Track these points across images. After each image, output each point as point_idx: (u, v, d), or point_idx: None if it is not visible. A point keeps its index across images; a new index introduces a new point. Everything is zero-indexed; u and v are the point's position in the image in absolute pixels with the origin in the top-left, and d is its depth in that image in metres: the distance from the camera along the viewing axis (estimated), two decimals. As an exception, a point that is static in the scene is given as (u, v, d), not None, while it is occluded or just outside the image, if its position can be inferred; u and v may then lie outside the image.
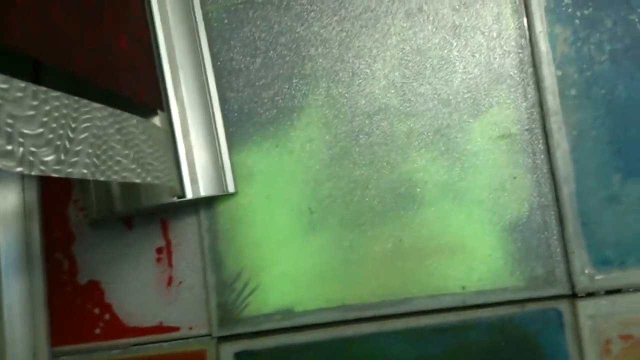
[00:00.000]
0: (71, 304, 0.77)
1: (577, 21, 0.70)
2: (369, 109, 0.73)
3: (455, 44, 0.72)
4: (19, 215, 0.74)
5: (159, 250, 0.76)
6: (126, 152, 0.53)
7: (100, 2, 0.63)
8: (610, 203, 0.69)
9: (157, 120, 0.67)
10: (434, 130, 0.72)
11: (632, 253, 0.68)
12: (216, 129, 0.73)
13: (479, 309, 0.70)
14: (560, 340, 0.69)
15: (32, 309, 0.74)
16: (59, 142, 0.43)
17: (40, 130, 0.41)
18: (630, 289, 0.68)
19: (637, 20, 0.70)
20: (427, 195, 0.71)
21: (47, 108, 0.43)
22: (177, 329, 0.75)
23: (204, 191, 0.71)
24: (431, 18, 0.73)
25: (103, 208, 0.73)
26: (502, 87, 0.71)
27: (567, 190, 0.69)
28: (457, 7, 0.72)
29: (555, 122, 0.70)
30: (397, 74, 0.73)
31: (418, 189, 0.72)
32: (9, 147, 0.38)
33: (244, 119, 0.75)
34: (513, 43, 0.72)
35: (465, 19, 0.72)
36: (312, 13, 0.74)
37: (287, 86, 0.74)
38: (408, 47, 0.73)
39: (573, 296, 0.69)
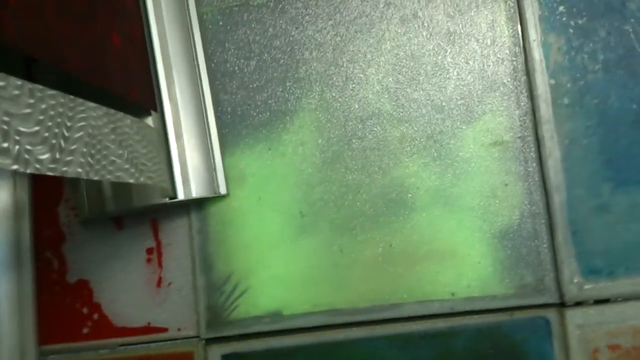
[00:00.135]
0: (60, 303, 0.76)
1: (571, 30, 0.71)
2: (362, 113, 0.73)
3: (449, 50, 0.72)
4: (9, 213, 0.73)
5: (149, 251, 0.75)
6: (120, 151, 0.53)
7: (94, 0, 0.62)
8: (600, 212, 0.69)
9: (150, 121, 0.67)
10: (426, 136, 0.72)
11: (621, 263, 0.69)
12: (209, 130, 0.72)
13: (468, 315, 0.70)
14: (548, 349, 0.69)
15: (21, 307, 0.73)
16: (54, 141, 0.43)
17: (36, 128, 0.41)
18: (619, 299, 0.68)
19: (630, 30, 0.70)
20: (418, 200, 0.72)
21: (43, 106, 0.42)
22: (165, 330, 0.74)
23: (195, 192, 0.71)
24: (426, 24, 0.73)
25: (94, 207, 0.73)
26: (496, 94, 0.71)
27: (558, 198, 0.69)
28: (451, 13, 0.73)
29: (548, 131, 0.70)
30: (390, 79, 0.73)
31: (409, 195, 0.72)
32: (5, 145, 0.38)
33: (237, 121, 0.74)
34: (507, 51, 0.72)
35: (460, 26, 0.73)
36: (307, 17, 0.75)
37: (280, 89, 0.74)
38: (402, 53, 0.73)
39: (562, 305, 0.69)
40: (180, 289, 0.75)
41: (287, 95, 0.74)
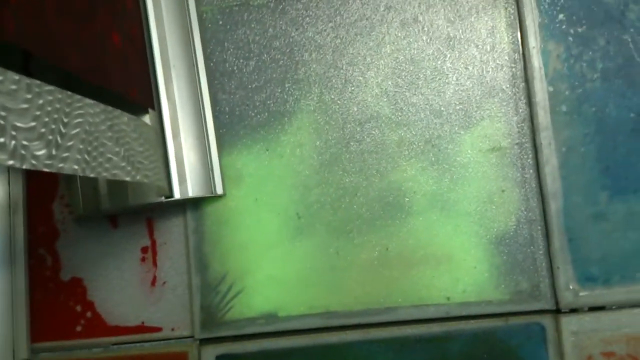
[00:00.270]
0: (53, 300, 0.76)
1: (570, 38, 0.71)
2: (361, 116, 0.73)
3: (449, 55, 0.73)
4: (3, 209, 0.73)
5: (144, 250, 0.75)
6: (117, 149, 0.53)
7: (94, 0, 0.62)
8: (596, 220, 0.69)
9: (147, 119, 0.67)
10: (424, 140, 0.72)
11: (617, 271, 0.69)
12: (207, 130, 0.72)
13: (463, 320, 0.70)
14: (542, 355, 0.69)
15: (13, 304, 0.73)
16: (50, 137, 0.43)
17: (33, 123, 0.41)
18: (614, 307, 0.68)
19: (629, 40, 0.70)
20: (415, 205, 0.71)
21: (41, 102, 0.42)
22: (159, 329, 0.74)
23: (192, 192, 0.71)
24: (426, 29, 0.73)
25: (89, 205, 0.72)
26: (494, 100, 0.71)
27: (555, 205, 0.69)
28: (452, 19, 0.73)
29: (545, 138, 0.70)
30: (390, 82, 0.73)
31: (407, 199, 0.72)
32: (1, 140, 0.38)
33: (235, 121, 0.74)
34: (506, 57, 0.72)
35: (460, 31, 0.73)
36: (307, 18, 0.74)
37: (279, 90, 0.74)
38: (402, 57, 0.73)
39: (557, 311, 0.69)
40: (175, 288, 0.74)
41: (285, 97, 0.74)
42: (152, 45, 0.69)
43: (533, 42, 0.71)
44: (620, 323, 0.68)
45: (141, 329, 0.74)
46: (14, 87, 0.39)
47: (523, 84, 0.71)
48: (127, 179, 0.54)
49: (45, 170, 0.42)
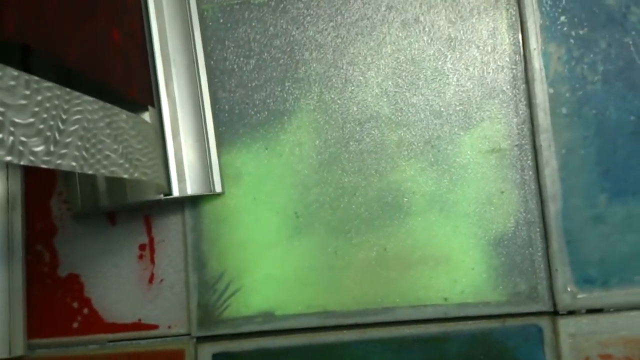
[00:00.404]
0: (50, 296, 0.76)
1: (571, 40, 0.71)
2: (361, 116, 0.73)
3: (449, 56, 0.72)
4: (1, 205, 0.73)
5: (142, 247, 0.75)
6: (115, 146, 0.52)
7: (95, -5, 0.62)
8: (595, 223, 0.69)
9: (147, 116, 0.67)
10: (424, 141, 0.72)
11: (615, 273, 0.68)
12: (206, 128, 0.72)
13: (460, 321, 0.70)
14: (539, 357, 0.69)
15: (10, 299, 0.73)
16: (49, 133, 0.43)
17: (31, 120, 0.41)
18: (612, 309, 0.68)
19: (631, 43, 0.70)
20: (414, 205, 0.71)
21: (39, 98, 0.42)
22: (156, 327, 0.74)
23: (190, 190, 0.70)
24: (427, 29, 0.73)
25: (87, 202, 0.72)
26: (494, 101, 0.71)
27: (554, 207, 0.69)
28: (453, 19, 0.73)
29: (545, 140, 0.70)
30: (390, 83, 0.73)
31: (405, 199, 0.71)
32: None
33: (235, 120, 0.74)
34: (507, 58, 0.72)
35: (461, 32, 0.72)
36: (308, 17, 0.74)
37: (279, 89, 0.74)
38: (402, 57, 0.73)
39: (554, 313, 0.69)
40: (172, 286, 0.74)
41: (285, 95, 0.74)
42: (152, 42, 0.69)
43: (534, 43, 0.71)
44: (618, 326, 0.68)
45: (138, 326, 0.74)
46: (12, 83, 0.39)
47: (523, 85, 0.71)
48: (125, 176, 0.54)
49: (43, 166, 0.42)
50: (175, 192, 0.69)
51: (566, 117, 0.70)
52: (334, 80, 0.73)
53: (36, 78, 0.42)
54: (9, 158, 0.38)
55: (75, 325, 0.75)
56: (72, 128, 0.46)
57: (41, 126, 0.42)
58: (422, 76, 0.73)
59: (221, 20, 0.76)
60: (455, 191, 0.71)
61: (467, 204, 0.71)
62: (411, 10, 0.73)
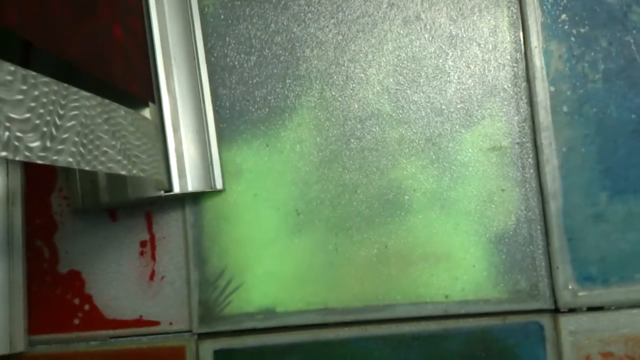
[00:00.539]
0: (51, 293, 0.76)
1: (572, 39, 0.71)
2: (362, 113, 0.73)
3: (450, 54, 0.72)
4: (1, 201, 0.73)
5: (143, 244, 0.75)
6: (113, 142, 0.53)
7: (97, -9, 0.63)
8: (596, 221, 0.69)
9: (147, 113, 0.67)
10: (425, 138, 0.72)
11: (616, 271, 0.68)
12: (207, 124, 0.72)
13: (461, 318, 0.70)
14: (540, 354, 0.69)
15: (11, 296, 0.73)
16: (45, 129, 0.43)
17: (28, 115, 0.41)
18: (612, 307, 0.68)
19: (632, 41, 0.70)
20: (415, 203, 0.71)
21: (36, 93, 0.42)
22: (157, 323, 0.74)
23: (191, 186, 0.71)
24: (428, 27, 0.73)
25: (88, 198, 0.73)
26: (495, 99, 0.71)
27: (554, 205, 0.69)
28: (454, 17, 0.73)
29: (546, 138, 0.70)
30: (391, 80, 0.73)
31: (406, 196, 0.72)
32: (-5, 131, 0.38)
33: (235, 116, 0.74)
34: (508, 56, 0.72)
35: (462, 30, 0.72)
36: (310, 14, 0.74)
37: (280, 86, 0.74)
38: (404, 54, 0.73)
39: (555, 311, 0.69)
40: (173, 282, 0.75)
41: (286, 92, 0.74)
42: (153, 38, 0.69)
43: (535, 41, 0.71)
44: (618, 323, 0.68)
45: (139, 322, 0.75)
46: (9, 78, 0.39)
47: (524, 83, 0.71)
48: (123, 172, 0.54)
49: (39, 162, 0.42)
50: (176, 189, 0.69)
51: (567, 115, 0.70)
52: (335, 77, 0.74)
53: (33, 73, 0.42)
54: (4, 153, 0.38)
55: (76, 321, 0.75)
56: (69, 124, 0.46)
57: (37, 122, 0.42)
58: (423, 74, 0.73)
59: (222, 17, 0.76)
60: (456, 189, 0.71)
61: (468, 201, 0.71)
62: (412, 8, 0.73)
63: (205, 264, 0.74)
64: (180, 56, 0.72)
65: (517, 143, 0.71)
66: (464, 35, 0.72)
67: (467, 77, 0.72)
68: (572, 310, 0.69)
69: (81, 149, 0.47)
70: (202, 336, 0.74)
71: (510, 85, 0.71)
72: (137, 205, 0.75)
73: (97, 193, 0.72)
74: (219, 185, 0.73)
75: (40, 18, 0.53)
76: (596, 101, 0.70)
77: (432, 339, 0.70)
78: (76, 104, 0.47)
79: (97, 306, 0.75)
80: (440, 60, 0.73)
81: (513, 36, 0.72)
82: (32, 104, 0.42)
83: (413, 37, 0.73)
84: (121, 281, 0.75)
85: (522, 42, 0.72)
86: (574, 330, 0.68)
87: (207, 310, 0.73)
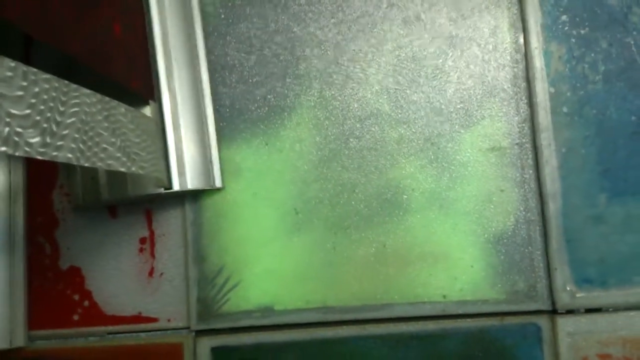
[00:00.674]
0: (51, 288, 0.76)
1: (573, 40, 0.71)
2: (361, 113, 0.73)
3: (450, 54, 0.73)
4: (3, 198, 0.73)
5: (142, 241, 0.76)
6: (113, 140, 0.53)
7: (98, -12, 0.63)
8: (595, 222, 0.69)
9: (147, 111, 0.67)
10: (424, 138, 0.72)
11: (614, 273, 0.68)
12: (206, 122, 0.72)
13: (459, 319, 0.70)
14: (537, 355, 0.69)
15: (11, 291, 0.73)
16: (45, 125, 0.43)
17: (28, 111, 0.41)
18: (611, 309, 0.68)
19: (632, 42, 0.70)
20: (413, 202, 0.72)
21: (36, 89, 0.43)
22: (155, 320, 0.75)
23: (191, 184, 0.71)
24: (428, 27, 0.73)
25: (88, 195, 0.73)
26: (495, 100, 0.71)
27: (554, 206, 0.69)
28: (454, 17, 0.73)
29: (546, 139, 0.70)
30: (390, 80, 0.73)
31: (405, 196, 0.72)
32: (-5, 127, 0.38)
33: (235, 115, 0.75)
34: (508, 57, 0.72)
35: (462, 30, 0.73)
36: (310, 14, 0.75)
37: (280, 85, 0.74)
38: (403, 54, 0.73)
39: (553, 312, 0.69)
40: (172, 279, 0.75)
41: (286, 92, 0.74)
42: (153, 36, 0.70)
43: (535, 42, 0.71)
44: (616, 325, 0.68)
45: (138, 319, 0.75)
46: (9, 74, 0.40)
47: (524, 84, 0.71)
48: (122, 169, 0.54)
49: (39, 158, 0.42)
50: (176, 186, 0.70)
51: (567, 116, 0.70)
52: (334, 76, 0.74)
53: (34, 69, 0.42)
54: (4, 149, 0.38)
55: (75, 317, 0.76)
56: (69, 120, 0.46)
57: (38, 118, 0.42)
58: (422, 74, 0.73)
59: (222, 16, 0.76)
60: (455, 189, 0.71)
61: (466, 201, 0.71)
62: (412, 8, 0.73)
63: (204, 261, 0.74)
64: (180, 54, 0.72)
65: (517, 144, 0.71)
66: (464, 36, 0.73)
67: (467, 77, 0.72)
68: (570, 312, 0.69)
69: (81, 145, 0.47)
70: (200, 333, 0.74)
71: (510, 85, 0.71)
72: (137, 202, 0.76)
73: (98, 190, 0.72)
74: (218, 183, 0.73)
75: (41, 13, 0.54)
76: (596, 102, 0.70)
77: (430, 338, 0.71)
78: (76, 100, 0.47)
79: (97, 302, 0.75)
80: (440, 61, 0.73)
81: (513, 37, 0.72)
82: (33, 100, 0.42)
83: (413, 37, 0.73)
84: (120, 278, 0.76)
85: (522, 42, 0.72)
86: (572, 331, 0.68)
87: (206, 307, 0.74)
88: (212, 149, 0.72)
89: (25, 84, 0.41)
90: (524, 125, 0.71)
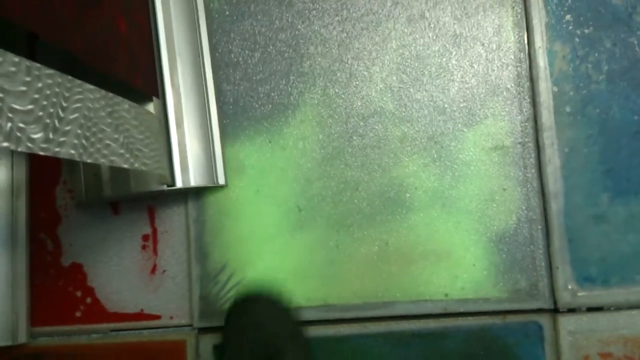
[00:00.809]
0: (53, 285, 0.76)
1: (577, 39, 0.71)
2: (365, 111, 0.73)
3: (454, 52, 0.73)
4: (6, 194, 0.73)
5: (145, 238, 0.76)
6: (116, 136, 0.53)
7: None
8: (597, 221, 0.69)
9: (151, 107, 0.67)
10: (427, 137, 0.72)
11: (616, 272, 0.68)
12: (210, 120, 0.73)
13: (460, 317, 0.70)
14: (539, 353, 0.69)
15: (14, 287, 0.73)
16: (48, 120, 0.43)
17: (31, 106, 0.41)
18: (612, 308, 0.68)
19: (636, 42, 0.70)
20: (416, 201, 0.72)
21: (40, 85, 0.42)
22: (158, 317, 0.75)
23: (194, 181, 0.71)
24: (432, 25, 0.73)
25: (91, 191, 0.73)
26: (498, 99, 0.71)
27: (556, 205, 0.69)
28: (458, 16, 0.73)
29: (548, 138, 0.70)
30: (394, 78, 0.73)
31: (408, 194, 0.72)
32: (-3, 122, 0.38)
33: (239, 112, 0.75)
34: (512, 56, 0.72)
35: (466, 29, 0.73)
36: (314, 12, 0.75)
37: (284, 82, 0.74)
38: (407, 53, 0.73)
39: (555, 311, 0.69)
40: (175, 277, 0.75)
41: (290, 89, 0.74)
42: (158, 33, 0.70)
43: (539, 42, 0.71)
44: (618, 324, 0.68)
45: (140, 316, 0.75)
46: (13, 69, 0.40)
47: (528, 83, 0.71)
48: (125, 166, 0.54)
49: (42, 153, 0.42)
50: (179, 183, 0.70)
51: (570, 115, 0.70)
52: (338, 74, 0.74)
53: (37, 65, 0.42)
54: (5, 144, 0.38)
55: (78, 314, 0.76)
56: (72, 116, 0.46)
57: (40, 113, 0.42)
58: (426, 72, 0.73)
59: (227, 13, 0.76)
60: (458, 187, 0.71)
61: (469, 200, 0.71)
62: (417, 6, 0.73)
63: (206, 258, 0.74)
64: (184, 52, 0.72)
65: (520, 143, 0.71)
66: (468, 35, 0.73)
67: (471, 76, 0.72)
68: (571, 311, 0.69)
69: (83, 141, 0.47)
70: (203, 330, 0.74)
71: (513, 85, 0.71)
72: (139, 199, 0.76)
73: (100, 186, 0.72)
74: (221, 180, 0.73)
75: (44, 11, 0.54)
76: (599, 102, 0.70)
77: (432, 336, 0.71)
78: (80, 96, 0.47)
79: (99, 299, 0.76)
80: (444, 59, 0.73)
81: (517, 36, 0.72)
82: (36, 96, 0.42)
83: (417, 36, 0.73)
84: (123, 274, 0.76)
85: (526, 42, 0.72)
86: (573, 330, 0.68)
87: (208, 305, 0.74)
88: (216, 146, 0.72)
89: (28, 79, 0.41)
90: (526, 124, 0.71)
